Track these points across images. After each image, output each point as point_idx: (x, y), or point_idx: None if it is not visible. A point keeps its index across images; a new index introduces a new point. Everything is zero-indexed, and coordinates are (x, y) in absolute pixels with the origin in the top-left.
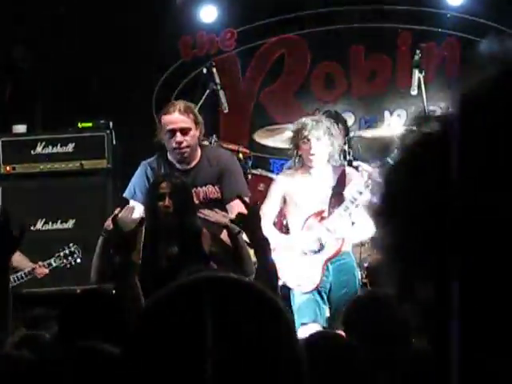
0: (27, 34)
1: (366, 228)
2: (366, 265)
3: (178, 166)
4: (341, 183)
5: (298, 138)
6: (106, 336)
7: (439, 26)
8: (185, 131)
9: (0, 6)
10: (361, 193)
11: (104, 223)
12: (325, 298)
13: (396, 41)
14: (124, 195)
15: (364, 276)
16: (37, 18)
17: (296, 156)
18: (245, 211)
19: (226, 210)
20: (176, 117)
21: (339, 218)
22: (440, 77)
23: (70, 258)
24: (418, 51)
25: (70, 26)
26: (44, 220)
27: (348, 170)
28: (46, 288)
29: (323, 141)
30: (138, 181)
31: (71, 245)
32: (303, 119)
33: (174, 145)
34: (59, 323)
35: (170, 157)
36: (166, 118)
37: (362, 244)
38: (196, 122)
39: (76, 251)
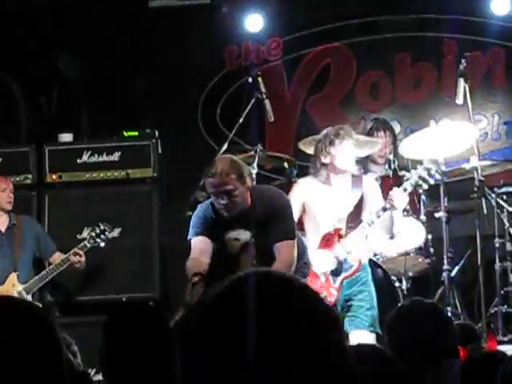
0: (74, 43)
1: (410, 238)
2: (410, 274)
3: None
4: (359, 199)
5: (326, 148)
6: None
7: (484, 35)
8: (229, 193)
9: (46, 15)
10: (378, 216)
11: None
12: (340, 311)
13: (441, 49)
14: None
15: (409, 286)
16: (83, 26)
17: (319, 167)
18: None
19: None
20: (217, 181)
21: (356, 238)
22: (485, 86)
23: (102, 235)
24: (463, 60)
25: (117, 34)
26: (90, 228)
27: (364, 177)
28: (98, 296)
29: (351, 153)
30: (197, 220)
31: (100, 223)
32: (333, 129)
33: (219, 206)
34: (105, 332)
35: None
36: (208, 182)
37: (406, 253)
38: (241, 178)
39: (106, 228)
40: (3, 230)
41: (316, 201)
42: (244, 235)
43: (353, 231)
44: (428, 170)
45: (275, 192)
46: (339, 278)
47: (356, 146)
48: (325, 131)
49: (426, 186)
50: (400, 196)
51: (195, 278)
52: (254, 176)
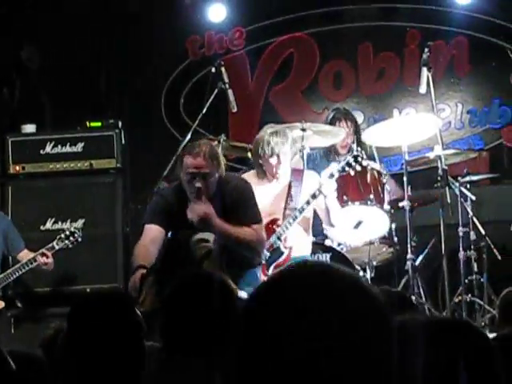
0: (35, 33)
1: (373, 227)
2: (374, 263)
3: None
4: (297, 187)
5: (264, 152)
6: (116, 336)
7: (448, 25)
8: (206, 177)
9: (9, 7)
10: (308, 202)
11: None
12: None
13: (404, 39)
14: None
15: (373, 275)
16: (45, 17)
17: (258, 167)
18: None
19: None
20: (199, 162)
21: (289, 227)
22: (448, 75)
23: (71, 237)
24: (426, 49)
25: (79, 25)
26: (54, 219)
27: (306, 172)
28: (62, 287)
29: (288, 154)
30: (155, 207)
31: (70, 225)
32: (265, 134)
33: (192, 189)
34: (69, 323)
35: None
36: (189, 161)
37: (370, 243)
38: (218, 168)
39: (76, 231)
40: None
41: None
42: (211, 236)
43: (286, 219)
44: (355, 157)
45: (239, 180)
46: (271, 267)
47: (318, 135)
48: (255, 140)
49: (352, 173)
50: (326, 182)
51: (141, 272)
52: None
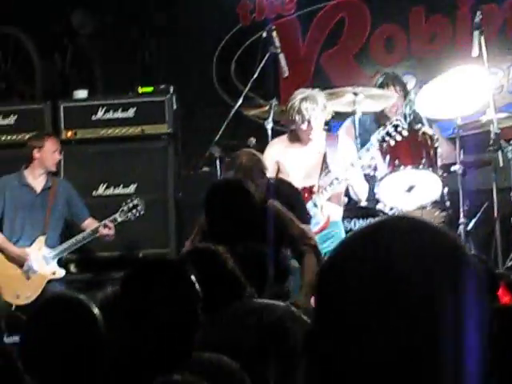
0: (86, 0)
1: (426, 192)
2: None
3: None
4: (332, 154)
5: (296, 118)
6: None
7: None
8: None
9: None
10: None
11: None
12: None
13: (457, 2)
14: None
15: None
16: None
17: (291, 132)
18: None
19: None
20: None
21: (325, 194)
22: (501, 38)
23: (134, 210)
24: (478, 13)
25: None
26: (106, 185)
27: (341, 139)
28: (115, 252)
29: (319, 119)
30: None
31: (133, 198)
32: (295, 99)
33: None
34: (122, 287)
35: None
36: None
37: (422, 207)
38: (261, 176)
39: (139, 203)
40: (38, 191)
41: (288, 159)
42: None
43: (324, 188)
44: (396, 126)
45: (289, 189)
46: None
47: (370, 99)
48: (286, 106)
49: (392, 142)
50: (364, 155)
51: None
52: (270, 131)
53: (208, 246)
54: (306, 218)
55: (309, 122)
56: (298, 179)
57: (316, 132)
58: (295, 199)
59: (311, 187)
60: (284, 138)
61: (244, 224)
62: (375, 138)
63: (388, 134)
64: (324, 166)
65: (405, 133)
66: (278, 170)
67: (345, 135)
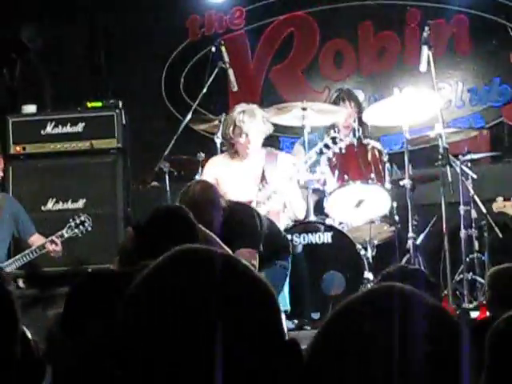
0: (35, 14)
1: (375, 206)
2: (376, 242)
3: None
4: (271, 170)
5: (234, 132)
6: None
7: (448, 3)
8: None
9: None
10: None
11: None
12: None
13: (405, 18)
14: None
15: (374, 254)
16: None
17: (230, 147)
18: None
19: None
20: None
21: (264, 209)
22: (449, 53)
23: (81, 226)
24: (426, 28)
25: (78, 4)
26: (55, 200)
27: (280, 155)
28: (62, 267)
29: (258, 132)
30: None
31: (81, 214)
32: (237, 110)
33: None
34: (65, 303)
35: None
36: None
37: (371, 221)
38: (214, 209)
39: (86, 220)
40: None
41: (227, 175)
42: None
43: (262, 202)
44: (333, 138)
45: (245, 213)
46: None
47: (319, 114)
48: (224, 120)
49: (330, 154)
50: (302, 168)
51: None
52: (219, 145)
53: None
54: (254, 242)
55: (246, 135)
56: (235, 194)
57: (254, 146)
58: (248, 225)
59: (249, 202)
60: (223, 155)
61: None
62: (313, 150)
63: (326, 146)
64: (264, 181)
65: (342, 145)
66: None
67: (284, 154)
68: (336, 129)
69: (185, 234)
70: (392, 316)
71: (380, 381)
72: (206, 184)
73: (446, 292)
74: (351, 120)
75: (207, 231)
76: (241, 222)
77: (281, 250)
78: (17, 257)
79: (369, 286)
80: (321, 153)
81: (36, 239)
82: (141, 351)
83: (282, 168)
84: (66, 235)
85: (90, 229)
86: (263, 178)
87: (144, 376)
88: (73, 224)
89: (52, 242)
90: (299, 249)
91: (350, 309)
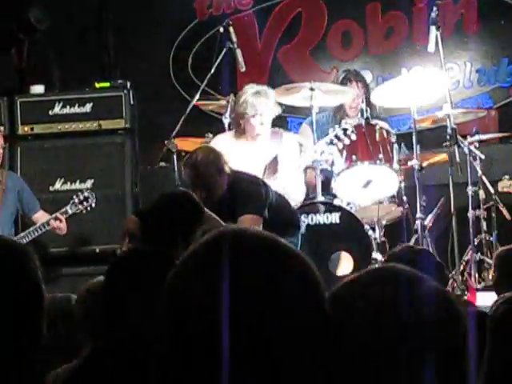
0: None
1: (383, 187)
2: (383, 223)
3: None
4: (277, 149)
5: (247, 111)
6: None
7: None
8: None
9: None
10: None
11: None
12: None
13: None
14: None
15: (382, 234)
16: None
17: (238, 126)
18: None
19: None
20: (195, 173)
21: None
22: (457, 34)
23: (85, 203)
24: (434, 8)
25: None
26: (62, 180)
27: (285, 135)
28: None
29: (270, 114)
30: None
31: (84, 190)
32: (247, 94)
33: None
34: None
35: None
36: (186, 173)
37: (379, 202)
38: (218, 174)
39: (90, 196)
40: None
41: (232, 155)
42: None
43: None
44: (344, 129)
45: (249, 182)
46: None
47: (327, 94)
48: (237, 100)
49: (340, 145)
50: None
51: None
52: (227, 126)
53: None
54: (258, 209)
55: (260, 115)
56: None
57: (265, 127)
58: (252, 192)
59: None
60: (229, 133)
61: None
62: (323, 141)
63: (337, 137)
64: (273, 167)
65: (353, 137)
66: None
67: (289, 134)
68: (343, 112)
69: (189, 219)
70: (394, 299)
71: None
72: (209, 148)
73: (454, 272)
74: (359, 101)
75: (209, 212)
76: (245, 188)
77: (289, 225)
78: (22, 234)
79: (376, 266)
80: (331, 143)
81: (40, 216)
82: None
83: (288, 148)
84: (70, 212)
85: (93, 205)
86: (275, 162)
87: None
88: (76, 200)
89: (56, 218)
90: (303, 229)
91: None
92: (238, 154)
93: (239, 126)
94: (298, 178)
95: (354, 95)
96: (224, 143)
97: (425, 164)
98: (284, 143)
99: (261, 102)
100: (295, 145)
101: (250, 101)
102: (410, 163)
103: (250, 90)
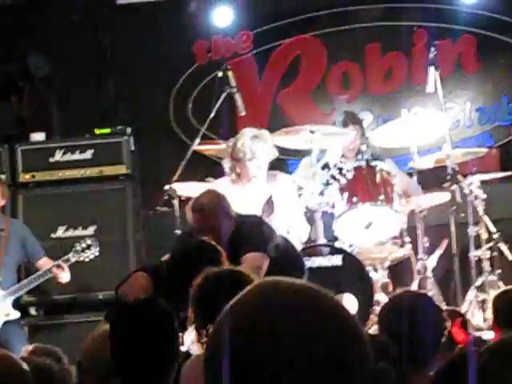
0: (43, 42)
1: (385, 228)
2: (386, 264)
3: None
4: (272, 191)
5: (244, 156)
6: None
7: (454, 23)
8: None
9: (14, 15)
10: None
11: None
12: None
13: (411, 39)
14: None
15: (385, 275)
16: (51, 25)
17: (234, 171)
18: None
19: None
20: (201, 217)
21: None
22: (456, 73)
23: (87, 251)
24: (433, 48)
25: (85, 32)
26: (65, 227)
27: (279, 176)
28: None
29: (267, 158)
30: None
31: (87, 238)
32: (245, 137)
33: None
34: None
35: None
36: (192, 218)
37: (381, 243)
38: (225, 213)
39: (93, 243)
40: None
41: (229, 200)
42: None
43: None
44: (340, 169)
45: (252, 224)
46: None
47: (327, 137)
48: (234, 144)
49: (336, 186)
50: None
51: None
52: (227, 170)
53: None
54: (262, 247)
55: (257, 160)
56: None
57: (263, 171)
58: (256, 231)
59: None
60: (226, 179)
61: None
62: (319, 182)
63: (333, 176)
64: (269, 205)
65: (349, 175)
66: None
67: (283, 174)
68: (340, 155)
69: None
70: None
71: None
72: (215, 192)
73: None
74: (356, 143)
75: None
76: (249, 229)
77: (296, 270)
78: (24, 282)
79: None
80: (327, 184)
81: (45, 263)
82: None
83: (283, 188)
84: (72, 259)
85: (97, 254)
86: (271, 202)
87: None
88: (79, 248)
89: (58, 266)
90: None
91: None
92: (234, 198)
93: (235, 170)
94: (300, 216)
95: (352, 137)
96: (221, 189)
97: (425, 206)
98: (279, 183)
99: (258, 146)
100: (290, 184)
101: (248, 145)
102: (410, 207)
103: (247, 133)
